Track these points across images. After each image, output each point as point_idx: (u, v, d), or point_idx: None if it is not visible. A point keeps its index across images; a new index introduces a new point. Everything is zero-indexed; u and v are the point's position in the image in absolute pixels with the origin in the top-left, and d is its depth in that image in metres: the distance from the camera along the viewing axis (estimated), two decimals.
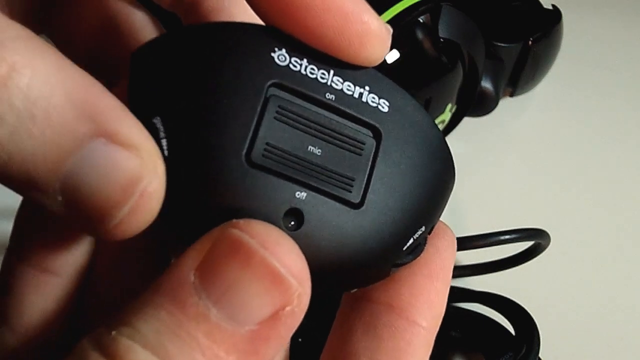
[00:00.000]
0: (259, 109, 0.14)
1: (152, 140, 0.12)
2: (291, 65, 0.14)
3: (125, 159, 0.12)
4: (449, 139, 0.40)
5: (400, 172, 0.15)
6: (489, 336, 0.31)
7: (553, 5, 0.44)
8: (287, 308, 0.12)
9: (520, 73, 0.43)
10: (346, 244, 0.14)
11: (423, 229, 0.15)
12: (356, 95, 0.15)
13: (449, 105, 0.37)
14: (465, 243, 0.31)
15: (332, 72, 0.15)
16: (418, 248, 0.15)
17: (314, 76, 0.14)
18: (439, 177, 0.15)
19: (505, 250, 0.32)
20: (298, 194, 0.14)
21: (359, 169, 0.14)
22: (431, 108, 0.36)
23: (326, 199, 0.14)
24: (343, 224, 0.14)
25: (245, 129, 0.14)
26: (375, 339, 0.16)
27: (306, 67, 0.14)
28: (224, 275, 0.12)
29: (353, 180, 0.14)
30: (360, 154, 0.14)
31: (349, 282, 0.15)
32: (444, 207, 0.16)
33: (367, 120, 0.15)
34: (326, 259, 0.14)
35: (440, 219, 0.16)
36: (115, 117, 0.12)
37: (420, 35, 0.34)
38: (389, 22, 0.33)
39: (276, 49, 0.14)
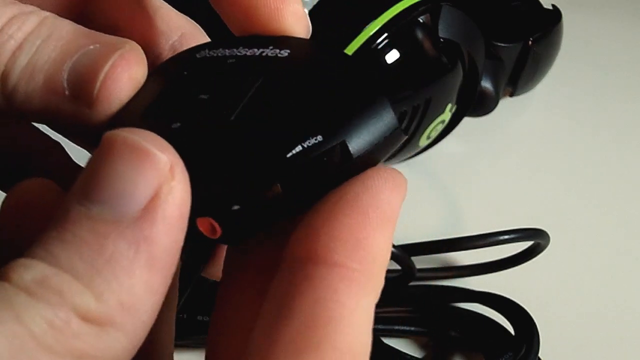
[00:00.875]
0: (173, 88, 0.17)
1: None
2: (207, 56, 0.17)
3: (110, 51, 0.16)
4: (449, 139, 0.41)
5: (281, 92, 0.15)
6: (488, 336, 0.31)
7: (553, 5, 0.44)
8: (164, 186, 0.12)
9: (520, 73, 0.43)
10: (215, 151, 0.14)
11: (319, 138, 0.14)
12: (257, 54, 0.16)
13: (449, 105, 0.37)
14: (465, 243, 0.31)
15: (241, 47, 0.17)
16: (318, 160, 0.14)
17: (222, 55, 0.17)
18: (341, 93, 0.15)
19: (505, 250, 0.32)
20: (174, 125, 0.15)
21: (239, 98, 0.15)
22: (431, 108, 0.36)
23: (200, 122, 0.15)
24: (211, 135, 0.15)
25: (157, 96, 0.16)
26: (293, 296, 0.13)
27: (219, 52, 0.17)
28: (97, 174, 0.12)
29: (229, 106, 0.15)
30: (245, 91, 0.16)
31: (232, 192, 0.14)
32: (365, 125, 0.15)
33: (259, 64, 0.16)
34: (202, 166, 0.14)
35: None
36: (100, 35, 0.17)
37: (420, 35, 0.34)
38: (389, 22, 0.33)
39: (201, 51, 0.17)
